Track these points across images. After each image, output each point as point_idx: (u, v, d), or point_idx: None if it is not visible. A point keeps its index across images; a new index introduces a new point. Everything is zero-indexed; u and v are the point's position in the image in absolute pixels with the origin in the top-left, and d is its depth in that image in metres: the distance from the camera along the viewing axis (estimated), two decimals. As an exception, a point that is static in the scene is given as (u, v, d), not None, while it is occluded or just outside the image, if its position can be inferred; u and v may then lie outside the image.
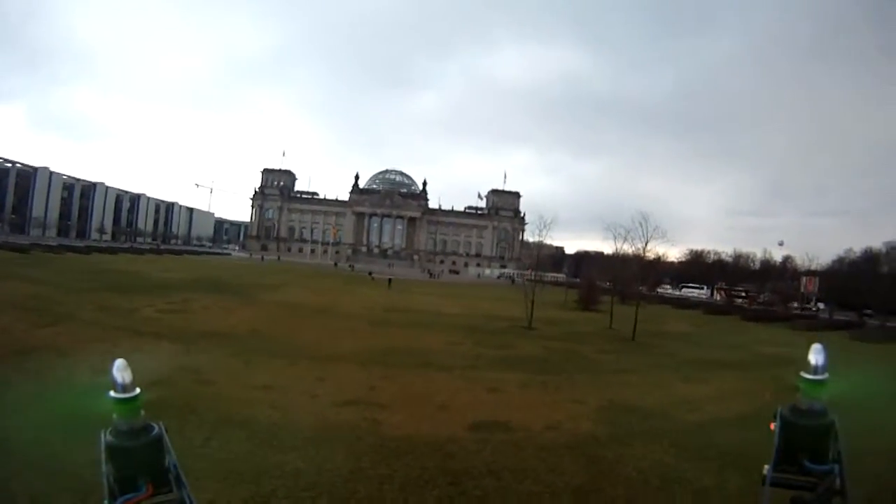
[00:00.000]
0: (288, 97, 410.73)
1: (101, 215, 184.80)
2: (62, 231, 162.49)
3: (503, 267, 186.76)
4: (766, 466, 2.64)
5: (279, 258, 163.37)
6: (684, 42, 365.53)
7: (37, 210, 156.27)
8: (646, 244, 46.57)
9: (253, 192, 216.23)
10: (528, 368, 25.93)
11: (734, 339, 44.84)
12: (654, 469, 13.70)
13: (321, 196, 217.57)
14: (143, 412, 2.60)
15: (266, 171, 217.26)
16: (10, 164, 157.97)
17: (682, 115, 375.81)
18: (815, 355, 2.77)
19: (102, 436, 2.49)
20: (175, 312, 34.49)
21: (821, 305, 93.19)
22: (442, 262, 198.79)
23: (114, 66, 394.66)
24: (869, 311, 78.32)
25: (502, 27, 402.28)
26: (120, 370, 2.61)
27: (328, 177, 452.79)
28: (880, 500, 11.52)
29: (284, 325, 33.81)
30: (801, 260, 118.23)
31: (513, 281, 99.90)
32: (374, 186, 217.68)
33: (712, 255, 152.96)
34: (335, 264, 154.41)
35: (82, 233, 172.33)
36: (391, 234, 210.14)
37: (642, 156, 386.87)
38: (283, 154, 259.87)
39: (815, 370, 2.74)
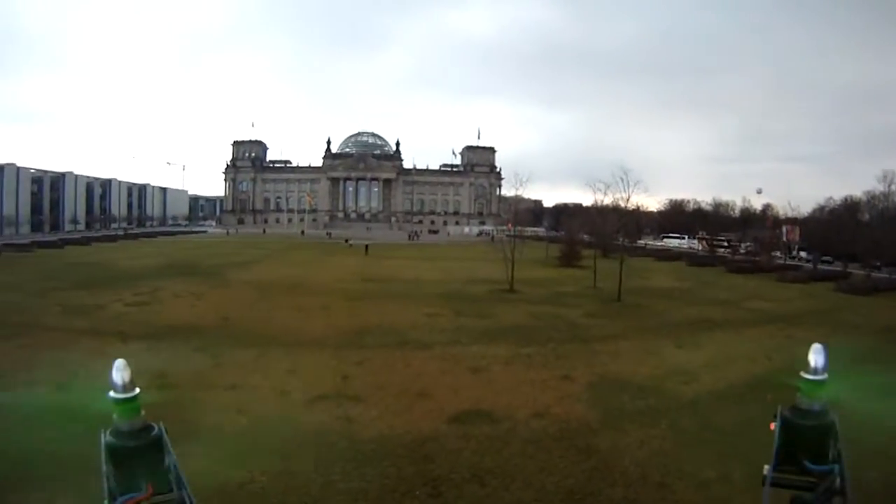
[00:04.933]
0: (254, 65, 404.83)
1: (73, 205, 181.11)
2: (35, 226, 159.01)
3: (482, 224, 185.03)
4: (767, 466, 2.61)
5: (264, 231, 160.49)
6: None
7: (7, 208, 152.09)
8: (628, 199, 45.36)
9: (225, 166, 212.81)
10: (512, 340, 24.86)
11: (722, 295, 43.67)
12: (653, 460, 12.71)
13: (294, 164, 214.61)
14: (143, 412, 2.56)
15: (237, 143, 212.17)
16: None
17: (654, 61, 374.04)
18: (815, 356, 2.71)
19: (102, 436, 2.47)
20: (143, 305, 33.33)
21: (803, 254, 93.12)
22: (420, 222, 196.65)
23: (70, 48, 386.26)
24: (828, 258, 78.52)
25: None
26: (119, 370, 2.56)
27: (300, 144, 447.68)
28: None
29: (255, 309, 32.73)
30: (782, 208, 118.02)
31: (492, 238, 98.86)
32: (347, 150, 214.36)
33: (692, 204, 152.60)
34: (302, 232, 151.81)
35: (56, 225, 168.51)
36: (367, 198, 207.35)
37: (617, 104, 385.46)
38: (253, 125, 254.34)
39: (815, 370, 2.69)
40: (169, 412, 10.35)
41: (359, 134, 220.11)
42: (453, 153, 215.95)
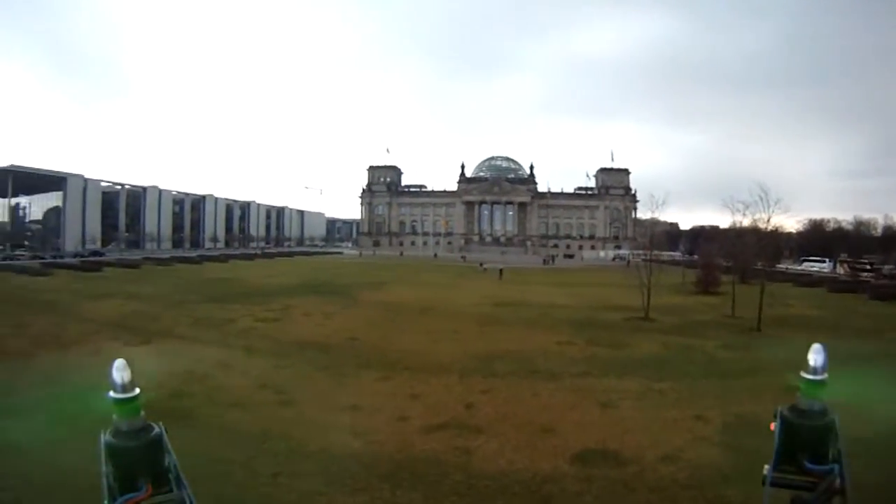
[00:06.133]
0: (388, 91, 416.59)
1: (213, 224, 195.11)
2: (176, 243, 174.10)
3: (617, 248, 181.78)
4: (767, 466, 2.58)
5: (401, 253, 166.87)
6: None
7: (149, 225, 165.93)
8: (768, 220, 43.10)
9: (361, 190, 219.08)
10: (645, 373, 23.57)
11: (866, 324, 40.17)
12: (788, 519, 11.31)
13: (428, 188, 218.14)
14: (143, 412, 2.53)
15: (372, 168, 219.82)
16: (119, 186, 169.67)
17: (784, 71, 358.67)
18: (815, 355, 2.67)
19: (102, 436, 2.44)
20: (273, 321, 34.39)
21: None
22: (556, 246, 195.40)
23: (213, 76, 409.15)
24: None
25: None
26: (119, 370, 2.53)
27: (434, 168, 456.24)
28: None
29: (384, 330, 32.80)
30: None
31: (627, 263, 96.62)
32: (482, 174, 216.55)
33: (832, 224, 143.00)
34: (434, 255, 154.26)
35: (196, 242, 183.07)
36: (502, 221, 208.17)
37: (747, 118, 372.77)
38: (388, 150, 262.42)
39: (815, 370, 2.64)
40: (285, 429, 10.24)
41: (492, 158, 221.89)
42: (587, 175, 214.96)
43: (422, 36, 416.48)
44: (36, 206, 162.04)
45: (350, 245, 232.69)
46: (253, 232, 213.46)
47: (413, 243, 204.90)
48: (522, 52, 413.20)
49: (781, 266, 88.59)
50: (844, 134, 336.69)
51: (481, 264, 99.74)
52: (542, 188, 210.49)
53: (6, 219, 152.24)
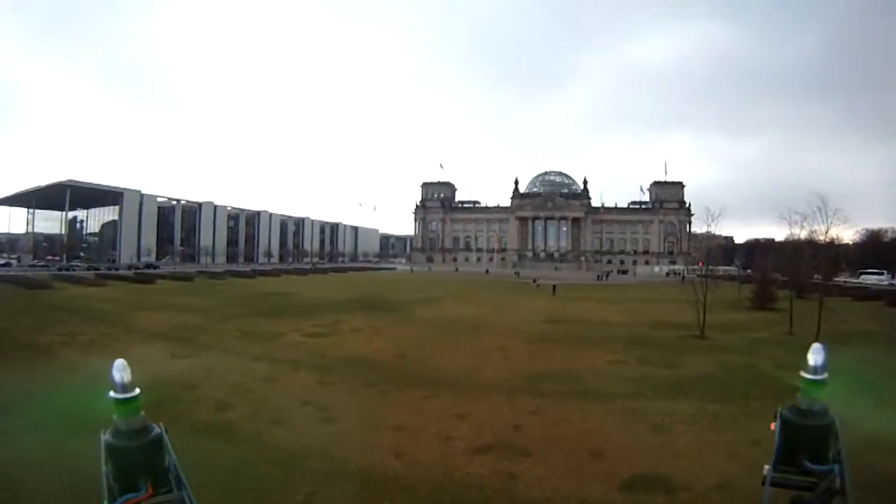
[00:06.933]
0: (442, 107, 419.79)
1: (268, 240, 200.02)
2: (230, 257, 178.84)
3: (672, 263, 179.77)
4: (766, 466, 2.60)
5: (456, 269, 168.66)
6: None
7: (204, 240, 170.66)
8: (827, 231, 41.92)
9: (415, 206, 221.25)
10: (699, 394, 22.71)
11: None
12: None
13: (482, 204, 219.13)
14: (143, 412, 2.52)
15: (426, 185, 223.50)
16: (175, 201, 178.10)
17: (840, 78, 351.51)
18: (815, 355, 2.67)
19: (102, 436, 2.44)
20: (321, 336, 34.38)
21: None
22: (609, 261, 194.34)
23: (269, 95, 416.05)
24: None
25: (638, 7, 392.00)
26: (119, 370, 2.52)
27: (488, 184, 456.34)
28: None
29: (434, 347, 32.37)
30: None
31: (683, 278, 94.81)
32: (535, 189, 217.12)
33: (889, 234, 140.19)
34: (486, 271, 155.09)
35: (250, 257, 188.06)
36: (556, 237, 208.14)
37: (803, 127, 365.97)
38: (441, 166, 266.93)
39: (815, 370, 2.64)
40: (325, 446, 9.99)
41: (546, 173, 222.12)
42: (641, 189, 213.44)
43: (475, 51, 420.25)
44: (93, 219, 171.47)
45: (403, 261, 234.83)
46: (307, 247, 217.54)
47: (466, 259, 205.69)
48: (575, 65, 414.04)
49: (838, 279, 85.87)
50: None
51: (534, 280, 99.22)
52: (595, 203, 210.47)
53: (63, 231, 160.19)
